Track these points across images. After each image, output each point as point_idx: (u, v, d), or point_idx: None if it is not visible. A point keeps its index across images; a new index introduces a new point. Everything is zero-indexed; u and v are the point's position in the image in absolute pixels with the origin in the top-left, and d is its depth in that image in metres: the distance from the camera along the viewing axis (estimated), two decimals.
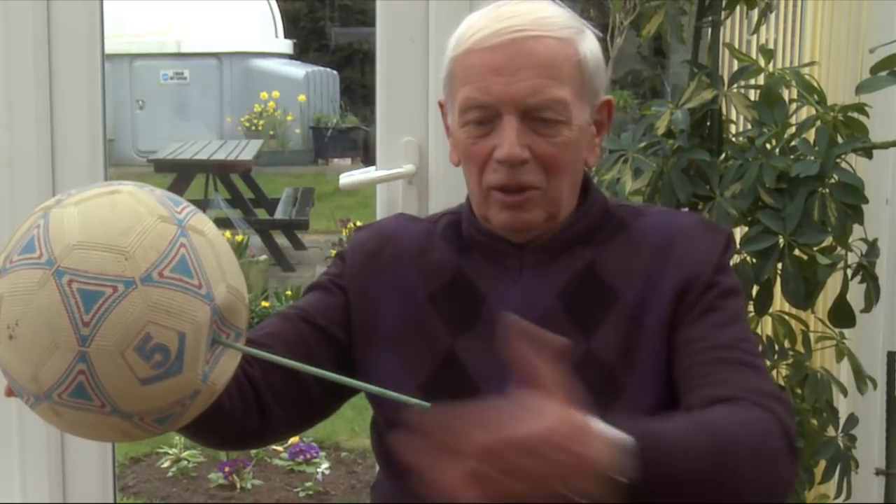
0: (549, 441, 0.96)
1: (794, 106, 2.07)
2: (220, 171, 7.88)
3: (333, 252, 6.12)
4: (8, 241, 1.10)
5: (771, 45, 2.46)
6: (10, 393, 1.11)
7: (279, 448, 3.95)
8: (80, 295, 1.02)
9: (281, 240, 7.44)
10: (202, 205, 7.83)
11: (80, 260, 1.03)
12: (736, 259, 1.97)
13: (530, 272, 1.34)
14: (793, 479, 1.18)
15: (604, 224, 1.37)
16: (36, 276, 1.03)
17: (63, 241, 1.04)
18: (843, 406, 2.16)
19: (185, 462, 3.93)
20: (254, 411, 1.32)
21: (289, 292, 5.83)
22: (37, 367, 1.04)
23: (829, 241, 1.92)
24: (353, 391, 1.41)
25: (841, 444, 2.00)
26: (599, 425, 1.01)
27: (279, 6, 12.98)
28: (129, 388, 1.04)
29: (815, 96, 1.98)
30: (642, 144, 2.04)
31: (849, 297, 1.97)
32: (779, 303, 2.07)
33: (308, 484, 3.77)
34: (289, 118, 11.83)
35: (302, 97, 11.90)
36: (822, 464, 2.02)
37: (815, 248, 1.91)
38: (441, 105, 1.41)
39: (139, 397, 1.05)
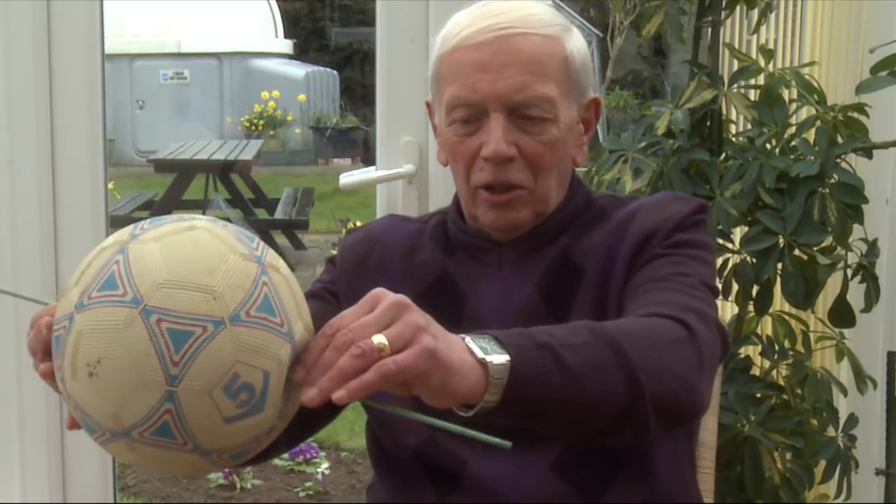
0: (400, 303, 0.99)
1: (794, 106, 2.08)
2: (220, 171, 7.88)
3: (333, 252, 6.13)
4: (79, 273, 1.08)
5: (771, 45, 2.46)
6: (73, 426, 1.10)
7: None
8: (170, 334, 1.00)
9: (281, 240, 7.44)
10: (202, 205, 7.84)
11: (168, 299, 1.01)
12: (736, 259, 1.97)
13: (509, 267, 1.34)
14: (701, 396, 1.13)
15: (583, 215, 1.37)
16: (121, 314, 1.02)
17: (148, 280, 1.03)
18: (843, 406, 2.17)
19: None
20: None
21: None
22: (119, 405, 1.02)
23: (829, 241, 1.92)
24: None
25: (841, 444, 2.00)
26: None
27: (279, 6, 12.98)
28: (214, 427, 1.03)
29: (815, 96, 1.98)
30: (642, 144, 2.04)
31: (849, 297, 1.97)
32: (779, 303, 2.07)
33: (308, 484, 3.77)
34: (289, 118, 11.83)
35: (302, 97, 11.90)
36: (822, 464, 2.02)
37: (815, 248, 1.91)
38: (428, 105, 1.42)
39: (222, 435, 1.04)
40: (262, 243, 1.11)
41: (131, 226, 1.10)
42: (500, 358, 1.01)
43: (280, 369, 1.06)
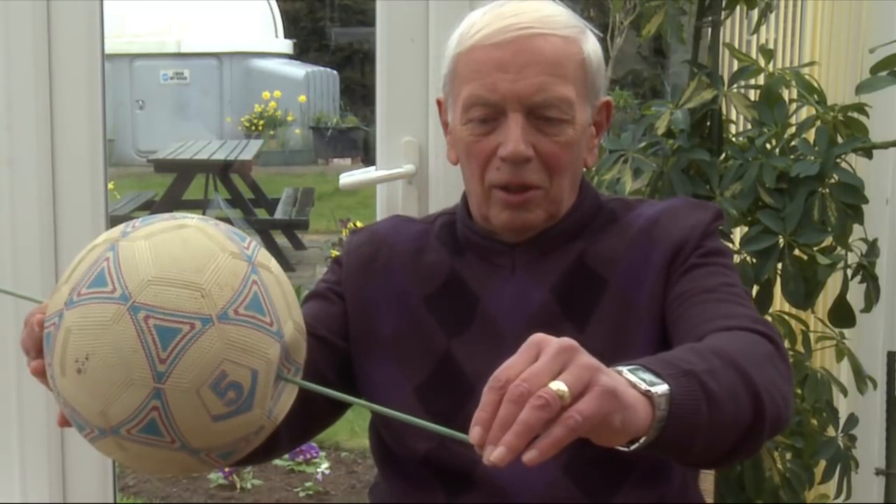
0: (569, 346, 0.94)
1: (794, 106, 2.07)
2: (220, 171, 7.88)
3: (334, 252, 6.12)
4: (69, 270, 1.08)
5: (771, 45, 2.46)
6: (64, 423, 1.10)
7: None
8: (157, 331, 1.01)
9: (281, 240, 7.44)
10: (202, 205, 7.84)
11: (156, 296, 1.02)
12: (736, 259, 1.97)
13: (523, 270, 1.34)
14: (792, 407, 1.17)
15: (595, 218, 1.37)
16: (109, 310, 1.02)
17: (137, 277, 1.03)
18: (843, 406, 2.17)
19: None
20: None
21: None
22: (107, 402, 1.02)
23: (829, 241, 1.92)
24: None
25: (841, 444, 2.00)
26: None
27: (279, 6, 12.98)
28: (201, 425, 1.03)
29: (815, 96, 1.98)
30: (642, 144, 2.04)
31: (849, 297, 1.97)
32: (779, 303, 2.07)
33: (308, 484, 3.77)
34: (289, 118, 11.83)
35: (302, 97, 11.90)
36: (822, 464, 2.02)
37: (815, 248, 1.91)
38: (440, 103, 1.41)
39: (210, 434, 1.04)
40: (253, 242, 1.11)
41: (123, 224, 1.11)
42: (661, 388, 0.99)
43: (269, 368, 1.06)
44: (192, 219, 1.10)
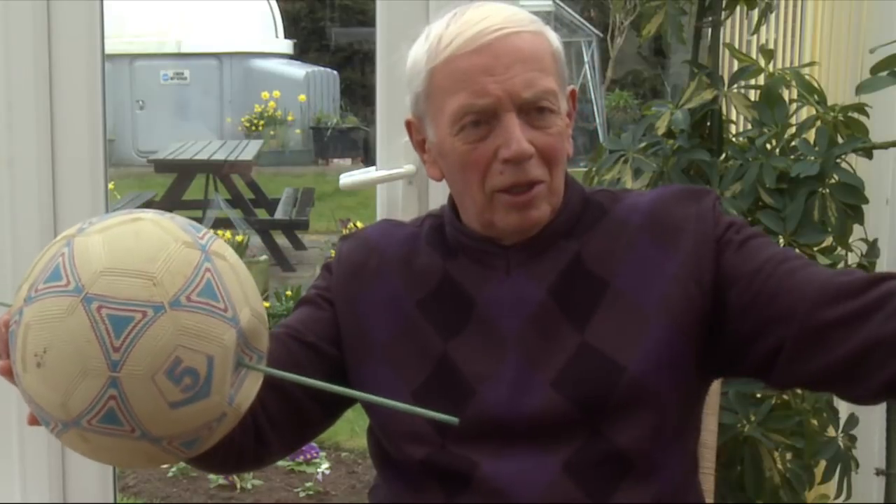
0: None
1: (794, 106, 2.08)
2: (221, 171, 7.88)
3: (333, 252, 6.11)
4: (29, 270, 1.10)
5: (771, 45, 2.46)
6: (33, 421, 1.11)
7: None
8: (110, 321, 1.02)
9: (281, 240, 7.44)
10: (202, 205, 7.84)
11: (109, 286, 1.03)
12: None
13: (518, 271, 1.34)
14: None
15: (584, 213, 1.37)
16: (64, 303, 1.04)
17: (90, 268, 1.04)
18: (843, 406, 2.16)
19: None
20: (251, 437, 1.31)
21: (289, 292, 5.83)
22: (66, 394, 1.04)
23: (829, 241, 1.92)
24: (347, 406, 1.41)
25: (841, 444, 2.00)
26: None
27: (279, 6, 12.98)
28: (159, 412, 1.04)
29: (816, 96, 1.98)
30: (642, 144, 2.04)
31: None
32: None
33: (308, 484, 3.77)
34: (289, 118, 11.83)
35: (302, 97, 11.91)
36: (822, 464, 2.02)
37: (815, 248, 1.91)
38: (409, 124, 1.39)
39: (169, 421, 1.05)
40: (209, 233, 1.12)
41: (81, 222, 1.12)
42: None
43: (225, 354, 1.06)
44: (148, 213, 1.12)
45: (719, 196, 1.38)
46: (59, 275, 1.06)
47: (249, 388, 1.12)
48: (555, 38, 1.35)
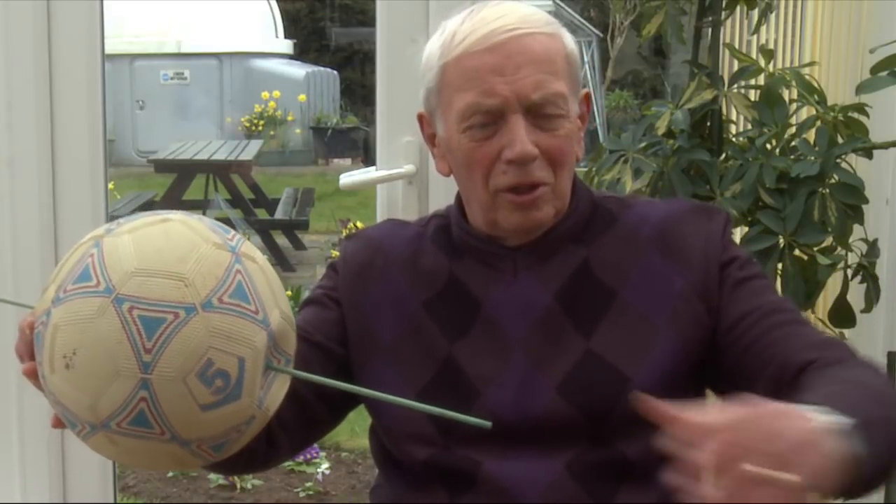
0: (779, 413, 0.98)
1: (794, 106, 2.07)
2: (221, 171, 7.88)
3: (334, 252, 6.12)
4: (56, 271, 1.09)
5: (771, 45, 2.46)
6: (58, 424, 1.10)
7: None
8: (142, 322, 1.01)
9: (281, 240, 7.44)
10: (202, 205, 7.84)
11: (140, 287, 1.02)
12: None
13: (525, 274, 1.34)
14: None
15: (593, 218, 1.37)
16: (94, 304, 1.02)
17: (120, 269, 1.03)
18: None
19: None
20: (262, 439, 1.31)
21: (289, 292, 5.83)
22: (96, 395, 1.03)
23: (829, 241, 1.92)
24: (353, 407, 1.41)
25: None
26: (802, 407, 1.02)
27: (279, 6, 12.99)
28: (190, 414, 1.03)
29: (816, 96, 1.98)
30: (642, 144, 2.04)
31: (849, 297, 1.97)
32: None
33: (308, 484, 3.77)
34: (289, 118, 11.84)
35: (302, 97, 11.91)
36: None
37: (815, 249, 1.91)
38: (421, 117, 1.40)
39: (199, 424, 1.04)
40: (238, 235, 1.12)
41: (108, 223, 1.12)
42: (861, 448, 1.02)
43: (256, 356, 1.06)
44: (175, 213, 1.11)
45: (730, 219, 1.39)
46: (89, 275, 1.04)
47: (278, 391, 1.11)
48: (570, 41, 1.34)
